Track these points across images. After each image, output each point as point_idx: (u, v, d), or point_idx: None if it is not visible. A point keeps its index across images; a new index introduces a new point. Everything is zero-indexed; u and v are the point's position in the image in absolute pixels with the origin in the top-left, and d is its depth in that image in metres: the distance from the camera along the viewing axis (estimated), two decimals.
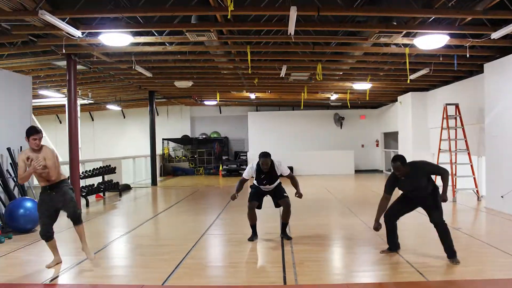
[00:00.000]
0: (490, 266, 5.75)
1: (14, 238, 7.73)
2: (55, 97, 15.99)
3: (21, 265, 6.12)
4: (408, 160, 6.00)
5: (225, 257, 6.45)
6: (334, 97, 18.28)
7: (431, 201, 6.05)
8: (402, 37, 8.92)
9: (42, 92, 14.78)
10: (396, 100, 18.17)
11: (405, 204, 6.38)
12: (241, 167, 21.60)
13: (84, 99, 17.24)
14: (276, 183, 7.32)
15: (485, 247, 6.67)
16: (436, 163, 12.63)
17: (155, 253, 6.68)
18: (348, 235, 7.79)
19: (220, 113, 23.57)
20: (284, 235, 7.33)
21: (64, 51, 9.41)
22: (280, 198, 7.31)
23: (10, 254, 6.69)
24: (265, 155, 7.01)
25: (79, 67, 11.19)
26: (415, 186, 6.03)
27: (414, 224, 8.76)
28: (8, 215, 8.17)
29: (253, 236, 7.32)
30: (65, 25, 7.60)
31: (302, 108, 19.79)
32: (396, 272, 5.52)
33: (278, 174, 7.19)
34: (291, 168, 20.48)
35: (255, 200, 7.25)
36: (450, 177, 5.93)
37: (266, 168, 7.05)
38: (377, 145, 22.89)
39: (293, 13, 6.91)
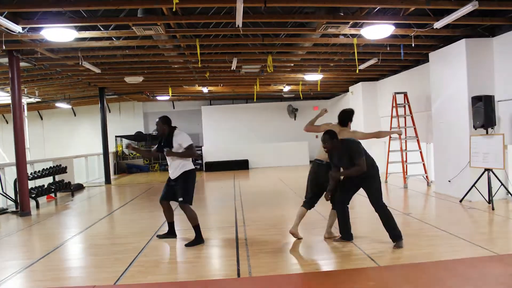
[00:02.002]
0: (440, 248, 5.93)
1: None
2: None
3: None
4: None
5: (180, 253, 6.38)
6: (286, 89, 18.39)
7: (367, 183, 6.17)
8: (349, 27, 9.05)
9: None
10: (348, 91, 18.46)
11: (348, 185, 6.39)
12: (196, 161, 21.46)
13: (30, 97, 16.66)
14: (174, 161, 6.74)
15: (434, 230, 6.89)
16: (387, 150, 12.98)
17: (108, 252, 6.55)
18: (303, 225, 7.84)
19: (174, 108, 23.30)
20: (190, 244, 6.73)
21: (4, 47, 9.02)
22: (178, 200, 6.73)
23: None
24: (160, 117, 6.79)
25: (22, 64, 10.78)
26: (339, 163, 6.13)
27: (367, 211, 8.95)
28: None
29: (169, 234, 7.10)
30: (3, 20, 7.27)
31: (255, 100, 19.83)
32: (349, 259, 5.61)
33: (175, 143, 6.64)
34: (245, 161, 20.56)
35: (163, 198, 6.96)
36: (358, 170, 5.89)
37: (160, 132, 6.76)
38: None
39: (239, 5, 6.86)
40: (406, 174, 12.04)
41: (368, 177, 6.11)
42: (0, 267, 6.06)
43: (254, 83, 16.60)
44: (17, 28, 7.82)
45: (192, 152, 6.67)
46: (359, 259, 5.53)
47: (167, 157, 6.77)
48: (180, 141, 6.64)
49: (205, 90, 18.15)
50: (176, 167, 6.69)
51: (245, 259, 5.72)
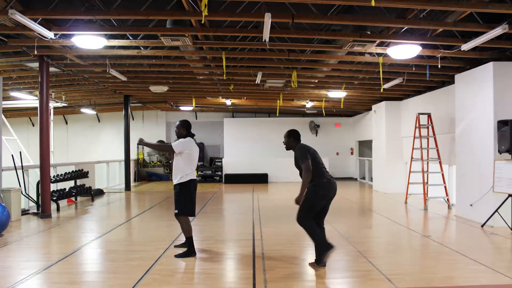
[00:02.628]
0: (460, 273, 5.82)
1: None
2: (27, 99, 15.69)
3: None
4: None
5: (196, 263, 6.38)
6: (309, 104, 18.41)
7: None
8: (375, 46, 9.04)
9: (13, 94, 14.50)
10: (371, 109, 18.37)
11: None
12: (216, 173, 21.56)
13: (57, 102, 16.98)
14: (175, 169, 6.73)
15: (455, 254, 6.76)
16: (408, 171, 12.84)
17: (125, 259, 6.59)
18: None
19: (196, 119, 23.47)
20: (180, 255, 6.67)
21: (36, 52, 9.24)
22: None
23: None
24: (181, 120, 6.99)
25: (52, 69, 11.03)
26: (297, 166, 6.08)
27: (387, 231, 8.88)
28: None
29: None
30: (37, 26, 7.46)
31: (277, 115, 19.84)
32: (366, 279, 5.55)
33: (176, 150, 6.65)
34: (264, 174, 20.55)
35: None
36: (306, 177, 5.74)
37: (178, 135, 6.87)
38: (352, 153, 23.10)
39: (267, 20, 6.92)
40: (427, 196, 11.88)
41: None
42: (19, 267, 6.16)
43: (278, 98, 16.65)
44: (49, 34, 8.00)
45: (161, 147, 7.32)
46: (376, 280, 5.47)
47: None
48: (176, 143, 6.68)
49: (228, 102, 18.27)
50: (175, 175, 6.71)
51: (261, 273, 5.70)
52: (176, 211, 6.64)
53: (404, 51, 8.73)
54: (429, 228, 9.33)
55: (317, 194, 5.91)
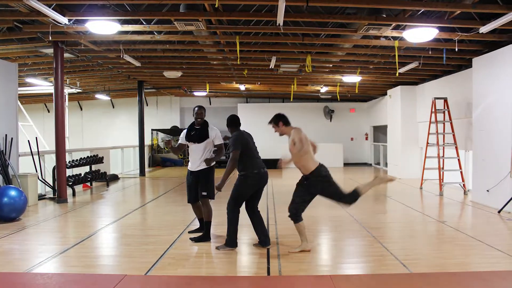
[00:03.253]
0: (476, 259, 5.77)
1: None
2: (42, 85, 15.82)
3: (3, 254, 6.04)
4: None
5: (210, 248, 6.40)
6: (324, 89, 18.27)
7: None
8: (391, 30, 8.91)
9: (29, 80, 14.61)
10: (386, 94, 18.19)
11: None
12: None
13: (72, 88, 17.07)
14: (202, 154, 6.69)
15: (470, 240, 6.69)
16: (424, 156, 12.73)
17: (140, 243, 6.64)
18: (335, 227, 7.81)
19: (210, 104, 23.48)
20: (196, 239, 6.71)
21: (50, 38, 9.28)
22: (200, 195, 6.72)
23: None
24: (201, 106, 6.83)
25: (66, 55, 11.06)
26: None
27: (401, 217, 8.84)
28: None
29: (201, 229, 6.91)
30: (51, 11, 7.47)
31: (292, 100, 19.73)
32: (381, 264, 5.52)
33: (210, 137, 6.68)
34: (278, 160, 20.62)
35: (190, 201, 6.94)
36: (230, 167, 6.05)
37: (201, 120, 6.69)
38: (366, 139, 22.96)
39: (281, 3, 6.84)
40: (442, 181, 11.77)
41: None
42: (36, 250, 6.24)
43: (292, 83, 16.56)
44: (63, 20, 8.01)
45: (223, 153, 6.80)
46: (391, 265, 5.44)
47: (190, 149, 6.79)
48: (215, 136, 6.70)
49: (242, 87, 18.21)
50: (198, 159, 6.68)
51: (276, 258, 5.70)
52: (206, 193, 6.65)
53: (421, 34, 8.57)
54: (445, 214, 9.25)
55: (246, 184, 6.12)
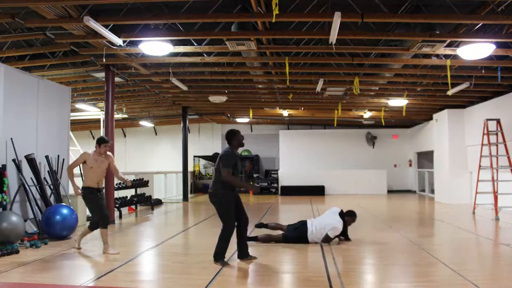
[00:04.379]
0: None
1: (50, 244, 7.69)
2: (91, 111, 16.21)
3: (58, 268, 6.05)
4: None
5: (267, 266, 6.22)
6: (367, 115, 18.03)
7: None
8: (445, 47, 8.71)
9: (78, 105, 14.99)
10: (430, 119, 17.82)
11: None
12: (272, 185, 21.45)
13: (118, 114, 17.42)
14: None
15: None
16: (475, 180, 12.26)
17: (193, 262, 6.54)
18: (390, 248, 7.51)
19: (251, 131, 23.54)
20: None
21: (104, 60, 9.49)
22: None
23: (46, 258, 6.63)
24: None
25: (116, 79, 11.29)
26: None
27: (460, 240, 8.48)
28: (44, 221, 8.15)
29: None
30: (108, 32, 7.65)
31: (335, 125, 19.56)
32: (449, 284, 5.23)
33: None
34: (321, 186, 20.27)
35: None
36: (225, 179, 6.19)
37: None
38: (410, 165, 22.44)
39: (336, 19, 6.76)
40: (498, 205, 11.25)
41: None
42: (89, 266, 6.28)
43: (335, 108, 16.40)
44: (118, 41, 8.19)
45: None
46: (460, 285, 5.13)
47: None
48: None
49: (285, 113, 18.18)
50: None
51: (336, 277, 5.47)
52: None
53: (476, 50, 8.34)
54: (507, 237, 8.79)
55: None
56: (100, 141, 7.12)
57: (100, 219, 7.00)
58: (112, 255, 6.80)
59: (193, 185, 22.33)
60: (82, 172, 7.28)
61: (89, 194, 7.01)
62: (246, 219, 6.60)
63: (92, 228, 7.14)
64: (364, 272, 6.01)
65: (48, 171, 9.36)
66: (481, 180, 12.20)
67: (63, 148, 10.19)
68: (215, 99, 14.35)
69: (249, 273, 5.92)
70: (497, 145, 12.07)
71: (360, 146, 22.72)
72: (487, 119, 12.16)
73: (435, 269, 5.93)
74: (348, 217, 7.81)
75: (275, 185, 21.39)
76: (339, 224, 7.48)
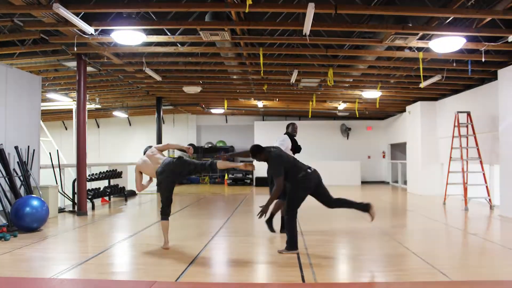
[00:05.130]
0: None
1: (20, 237, 7.54)
2: (62, 101, 15.90)
3: (27, 261, 5.95)
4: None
5: (240, 257, 6.23)
6: (342, 106, 18.15)
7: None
8: (417, 40, 8.82)
9: (50, 95, 14.69)
10: (404, 111, 18.04)
11: None
12: (247, 176, 21.47)
13: (91, 104, 17.14)
14: None
15: (507, 251, 6.46)
16: (446, 172, 12.48)
17: (165, 252, 6.50)
18: (362, 238, 7.61)
19: (226, 122, 23.46)
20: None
21: (75, 49, 9.31)
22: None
23: (15, 250, 6.48)
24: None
25: (88, 69, 11.08)
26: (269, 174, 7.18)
27: (431, 229, 8.63)
28: (14, 213, 7.97)
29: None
30: (79, 21, 7.49)
31: (310, 116, 19.62)
32: (418, 272, 5.32)
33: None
34: None
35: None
36: (274, 194, 6.29)
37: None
38: (384, 157, 22.73)
39: (310, 10, 6.77)
40: (467, 196, 11.49)
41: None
42: (59, 258, 6.17)
43: (310, 99, 16.47)
44: (90, 30, 8.03)
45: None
46: (429, 273, 5.23)
47: None
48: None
49: (260, 104, 18.16)
50: None
51: (308, 267, 5.51)
52: None
53: (448, 44, 8.47)
54: (474, 227, 9.01)
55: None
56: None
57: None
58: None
59: None
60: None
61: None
62: None
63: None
64: (336, 262, 6.06)
65: (17, 162, 9.16)
66: (451, 171, 12.43)
67: (33, 139, 9.96)
68: (189, 89, 14.25)
69: (221, 264, 5.92)
70: (467, 137, 12.30)
71: (335, 137, 22.89)
72: (458, 112, 12.38)
73: (405, 259, 6.04)
74: (290, 129, 8.49)
75: (250, 176, 21.42)
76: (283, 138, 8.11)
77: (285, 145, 7.92)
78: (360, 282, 4.97)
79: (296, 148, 8.28)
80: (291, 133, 8.39)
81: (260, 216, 6.13)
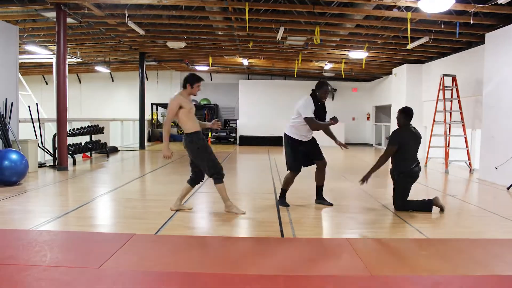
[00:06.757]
0: (492, 228, 5.62)
1: None
2: (42, 53, 15.44)
3: (6, 214, 5.88)
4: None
5: (221, 212, 6.21)
6: (328, 66, 17.99)
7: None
8: None
9: (29, 47, 14.25)
10: (390, 73, 17.98)
11: None
12: (230, 134, 21.44)
13: (72, 58, 16.72)
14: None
15: (483, 212, 6.57)
16: (429, 135, 12.57)
17: (146, 207, 6.50)
18: (343, 197, 7.66)
19: (211, 80, 23.17)
20: (323, 201, 6.80)
21: None
22: (318, 158, 6.81)
23: None
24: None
25: (68, 20, 10.72)
26: None
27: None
28: None
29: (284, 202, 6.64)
30: None
31: (295, 76, 19.46)
32: (396, 230, 5.41)
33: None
34: (279, 137, 20.53)
35: (299, 167, 6.64)
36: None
37: (325, 98, 6.74)
38: (368, 119, 22.78)
39: None
40: (448, 159, 11.60)
41: None
42: (39, 211, 6.11)
43: (296, 58, 16.27)
44: None
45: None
46: (406, 231, 5.30)
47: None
48: None
49: (245, 62, 17.90)
50: (309, 130, 6.71)
51: (288, 223, 5.54)
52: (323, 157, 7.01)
53: (437, 3, 8.30)
54: (453, 189, 9.13)
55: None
56: (194, 79, 5.93)
57: (217, 172, 5.84)
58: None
59: (151, 133, 22.00)
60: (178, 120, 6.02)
61: (202, 141, 5.88)
62: None
63: (193, 183, 6.13)
64: (316, 219, 6.10)
65: None
66: (434, 134, 12.50)
67: (11, 92, 9.69)
68: (173, 44, 13.94)
69: (201, 218, 5.92)
70: (451, 101, 12.32)
71: None
72: (444, 75, 12.34)
73: (384, 217, 6.10)
74: (317, 90, 6.68)
75: (234, 134, 21.38)
76: (303, 101, 6.55)
77: (306, 110, 6.44)
78: (337, 238, 5.01)
79: (320, 117, 6.75)
80: (318, 96, 6.65)
81: (362, 183, 6.47)
